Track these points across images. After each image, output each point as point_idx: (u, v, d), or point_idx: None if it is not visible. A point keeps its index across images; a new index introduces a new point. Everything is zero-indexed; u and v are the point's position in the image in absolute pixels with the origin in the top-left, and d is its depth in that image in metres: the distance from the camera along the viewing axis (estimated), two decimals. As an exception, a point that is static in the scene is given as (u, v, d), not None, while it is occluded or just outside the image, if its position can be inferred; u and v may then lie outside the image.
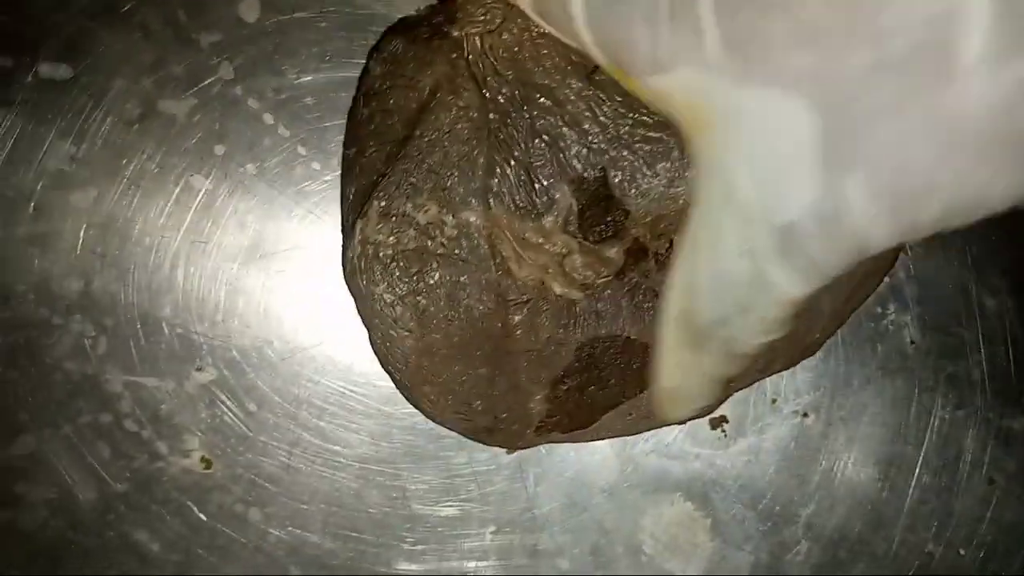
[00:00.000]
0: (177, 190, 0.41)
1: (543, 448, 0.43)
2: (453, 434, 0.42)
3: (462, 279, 0.35)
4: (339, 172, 0.42)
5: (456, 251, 0.35)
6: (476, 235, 0.35)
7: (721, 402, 0.37)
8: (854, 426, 0.44)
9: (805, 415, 0.44)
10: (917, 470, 0.44)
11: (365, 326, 0.37)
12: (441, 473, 0.43)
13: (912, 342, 0.44)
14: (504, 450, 0.42)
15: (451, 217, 0.35)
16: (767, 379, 0.43)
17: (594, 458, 0.44)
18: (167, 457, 0.42)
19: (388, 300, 0.35)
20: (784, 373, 0.44)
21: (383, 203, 0.35)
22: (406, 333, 0.35)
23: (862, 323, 0.44)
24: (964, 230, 0.43)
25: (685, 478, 0.44)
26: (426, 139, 0.35)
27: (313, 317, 0.42)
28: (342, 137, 0.42)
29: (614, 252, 0.36)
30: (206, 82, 0.41)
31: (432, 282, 0.35)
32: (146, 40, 0.41)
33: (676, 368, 0.31)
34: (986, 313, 0.44)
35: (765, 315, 0.27)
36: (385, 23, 0.41)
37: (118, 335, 0.42)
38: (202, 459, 0.42)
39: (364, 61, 0.41)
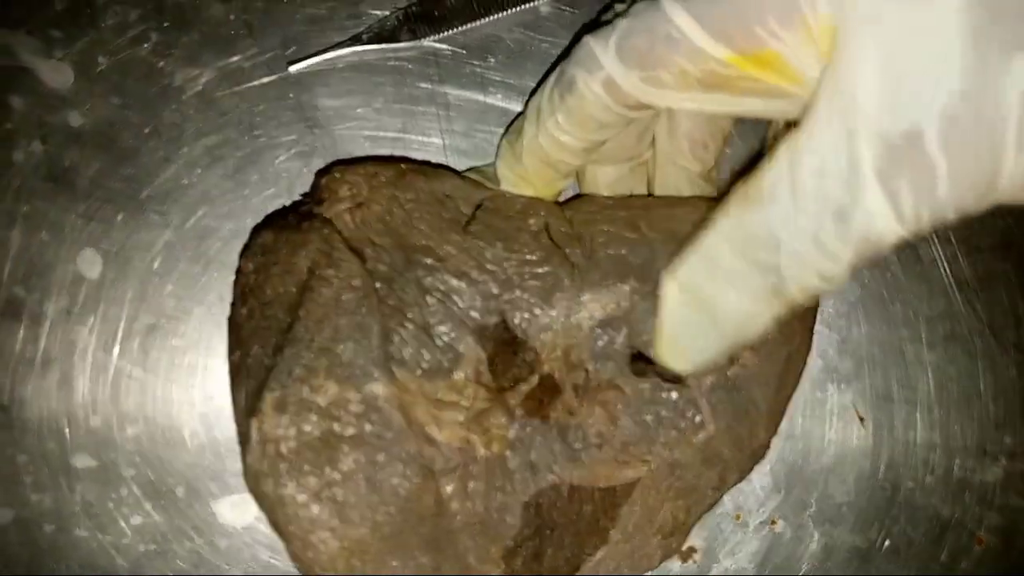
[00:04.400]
0: (59, 476, 0.38)
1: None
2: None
3: (379, 458, 0.32)
4: (230, 410, 0.39)
5: (367, 428, 0.32)
6: (386, 406, 0.32)
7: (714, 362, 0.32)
8: (826, 521, 0.42)
9: (773, 523, 0.42)
10: (903, 550, 0.42)
11: (282, 539, 0.33)
12: None
13: (862, 419, 0.42)
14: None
15: (354, 392, 0.32)
16: (727, 497, 0.41)
17: (571, 626, 0.41)
18: None
19: (301, 500, 0.31)
20: (742, 484, 0.41)
21: (276, 393, 0.31)
22: (327, 534, 0.31)
23: (806, 412, 0.42)
24: (881, 288, 0.42)
25: (668, 623, 0.41)
26: (312, 318, 0.32)
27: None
28: (221, 372, 0.39)
29: (528, 392, 0.34)
30: (64, 353, 0.39)
31: (347, 468, 0.31)
32: (-14, 328, 0.38)
33: (705, 281, 0.29)
34: (929, 368, 0.42)
35: (836, 250, 0.25)
36: (236, 238, 0.39)
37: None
38: None
39: (225, 283, 0.39)
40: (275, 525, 0.32)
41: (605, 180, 0.37)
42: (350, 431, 0.32)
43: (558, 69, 0.33)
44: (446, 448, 0.33)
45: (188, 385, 0.39)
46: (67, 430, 0.39)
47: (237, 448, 0.38)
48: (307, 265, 0.33)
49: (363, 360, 0.32)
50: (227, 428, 0.39)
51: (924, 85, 0.22)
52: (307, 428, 0.31)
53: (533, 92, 0.34)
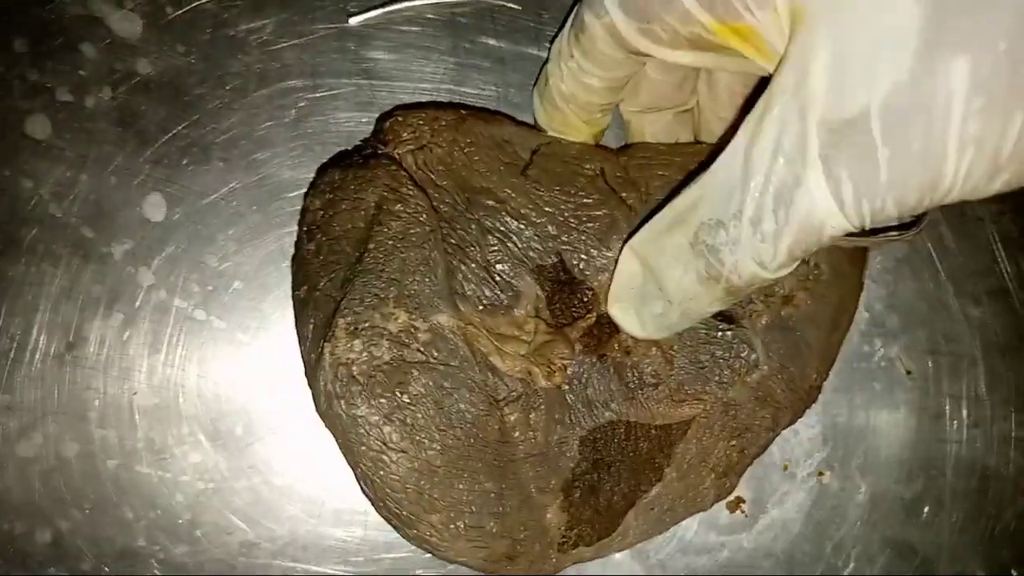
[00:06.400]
0: (123, 413, 0.39)
1: (564, 577, 0.41)
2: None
3: (446, 384, 0.33)
4: (289, 351, 0.40)
5: (435, 355, 0.33)
6: (452, 336, 0.33)
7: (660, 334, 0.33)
8: (872, 472, 0.42)
9: (820, 474, 0.42)
10: (948, 501, 0.42)
11: (351, 464, 0.34)
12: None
13: (908, 372, 0.42)
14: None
15: (422, 322, 0.33)
16: (775, 447, 0.42)
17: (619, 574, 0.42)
18: None
19: (374, 421, 0.32)
20: (789, 436, 0.42)
21: (349, 319, 0.32)
22: (399, 455, 0.32)
23: (853, 365, 0.42)
24: (928, 244, 0.43)
25: (717, 570, 0.42)
26: (381, 250, 0.33)
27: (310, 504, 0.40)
28: (281, 315, 0.40)
29: (586, 329, 0.35)
30: (128, 293, 0.39)
31: (417, 392, 0.32)
32: (56, 266, 0.39)
33: (647, 259, 0.30)
34: (973, 323, 0.42)
35: (775, 233, 0.25)
36: (296, 187, 0.40)
37: (99, 576, 0.39)
38: None
39: (284, 230, 0.40)
40: (346, 447, 0.33)
41: (650, 129, 0.38)
42: (419, 357, 0.32)
43: (575, 11, 0.33)
44: (509, 378, 0.34)
45: (248, 327, 0.40)
46: (130, 369, 0.39)
47: (296, 388, 0.39)
48: (375, 200, 0.34)
49: (429, 292, 0.33)
50: (286, 369, 0.40)
51: (871, 72, 0.23)
52: (378, 353, 0.32)
53: (554, 38, 0.35)
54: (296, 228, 0.39)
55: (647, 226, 0.31)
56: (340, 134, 0.40)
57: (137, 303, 0.39)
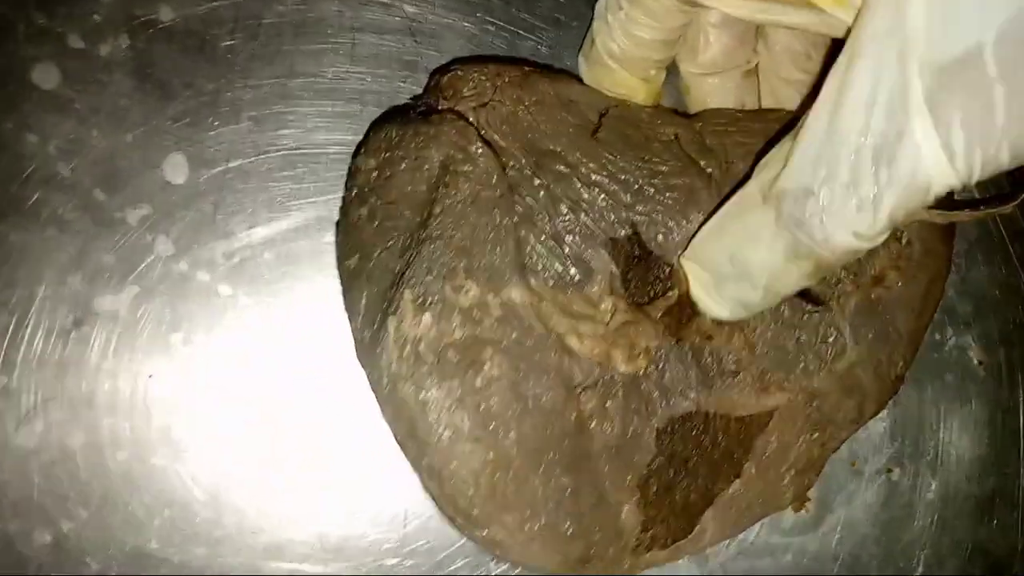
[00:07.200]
0: (136, 398, 0.35)
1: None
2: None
3: (521, 366, 0.29)
4: (321, 335, 0.36)
5: (510, 334, 0.29)
6: (525, 313, 0.30)
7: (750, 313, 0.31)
8: (943, 469, 0.40)
9: (889, 471, 0.40)
10: (1021, 501, 0.40)
11: (415, 456, 0.30)
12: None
13: (980, 363, 0.40)
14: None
15: (493, 296, 0.29)
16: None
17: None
18: None
19: (447, 405, 0.28)
20: (857, 432, 0.39)
21: (417, 290, 0.29)
22: (472, 444, 0.28)
23: (924, 356, 0.40)
24: (1000, 227, 0.41)
25: (780, 572, 0.39)
26: (449, 214, 0.30)
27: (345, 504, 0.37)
28: (315, 291, 0.36)
29: (666, 310, 0.32)
30: (144, 264, 0.36)
31: (491, 375, 0.29)
32: (63, 232, 0.35)
33: (727, 239, 0.28)
34: (1047, 313, 0.41)
35: (875, 197, 0.23)
36: (333, 150, 0.36)
37: (106, 579, 0.35)
38: None
39: (320, 197, 0.36)
40: (410, 435, 0.29)
41: (714, 94, 0.35)
42: (492, 336, 0.29)
43: None
44: (585, 362, 0.30)
45: (278, 303, 0.36)
46: (144, 349, 0.35)
47: (331, 373, 0.36)
48: (440, 159, 0.30)
49: (500, 263, 0.30)
50: (320, 351, 0.36)
51: (983, 2, 0.21)
52: (449, 329, 0.28)
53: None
54: (334, 195, 0.36)
55: (728, 202, 0.28)
56: (382, 94, 0.37)
57: (154, 275, 0.36)
